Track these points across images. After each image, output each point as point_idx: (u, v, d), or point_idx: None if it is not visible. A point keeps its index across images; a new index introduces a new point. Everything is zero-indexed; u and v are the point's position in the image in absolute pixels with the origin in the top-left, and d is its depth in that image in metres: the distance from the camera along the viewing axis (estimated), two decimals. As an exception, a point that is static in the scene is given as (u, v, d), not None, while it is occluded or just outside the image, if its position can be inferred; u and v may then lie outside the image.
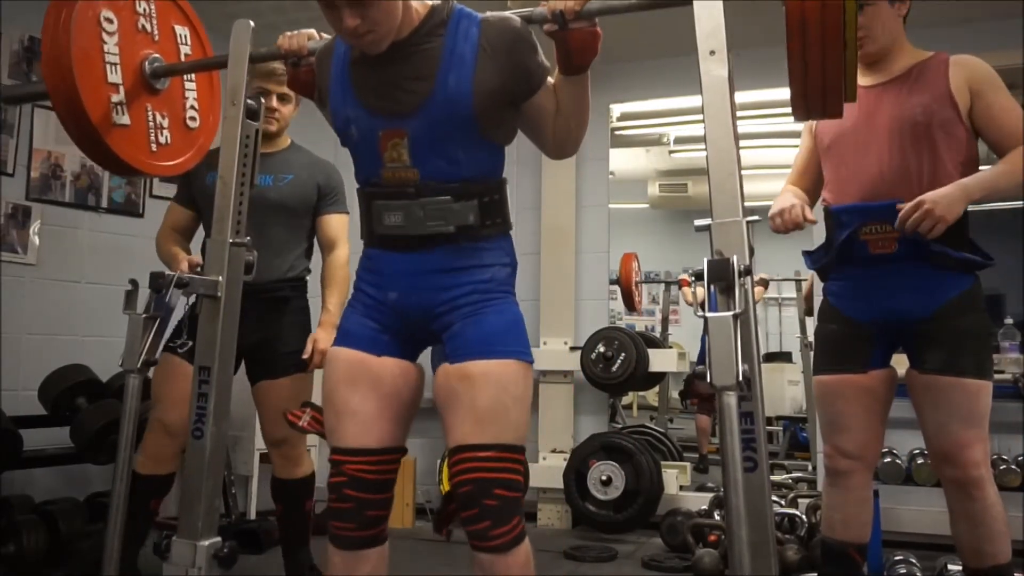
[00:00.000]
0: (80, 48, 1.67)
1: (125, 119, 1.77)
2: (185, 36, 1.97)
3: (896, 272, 1.95)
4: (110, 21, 1.73)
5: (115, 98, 1.75)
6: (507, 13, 1.47)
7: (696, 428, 5.67)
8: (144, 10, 1.81)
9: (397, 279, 1.51)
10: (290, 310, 2.60)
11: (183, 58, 1.91)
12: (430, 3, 1.49)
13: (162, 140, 1.85)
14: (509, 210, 1.55)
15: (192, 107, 1.95)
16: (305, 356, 2.50)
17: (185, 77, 1.95)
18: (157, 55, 1.85)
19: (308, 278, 2.71)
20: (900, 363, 2.07)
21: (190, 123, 1.94)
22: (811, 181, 2.20)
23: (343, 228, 2.66)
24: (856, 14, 1.31)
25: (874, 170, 1.98)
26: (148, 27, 1.83)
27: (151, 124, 1.83)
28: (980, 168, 2.00)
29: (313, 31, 1.66)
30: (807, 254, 2.20)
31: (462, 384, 1.44)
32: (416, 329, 1.54)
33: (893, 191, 1.95)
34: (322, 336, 2.50)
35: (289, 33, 1.63)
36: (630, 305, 5.20)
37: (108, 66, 1.74)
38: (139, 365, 1.75)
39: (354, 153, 1.54)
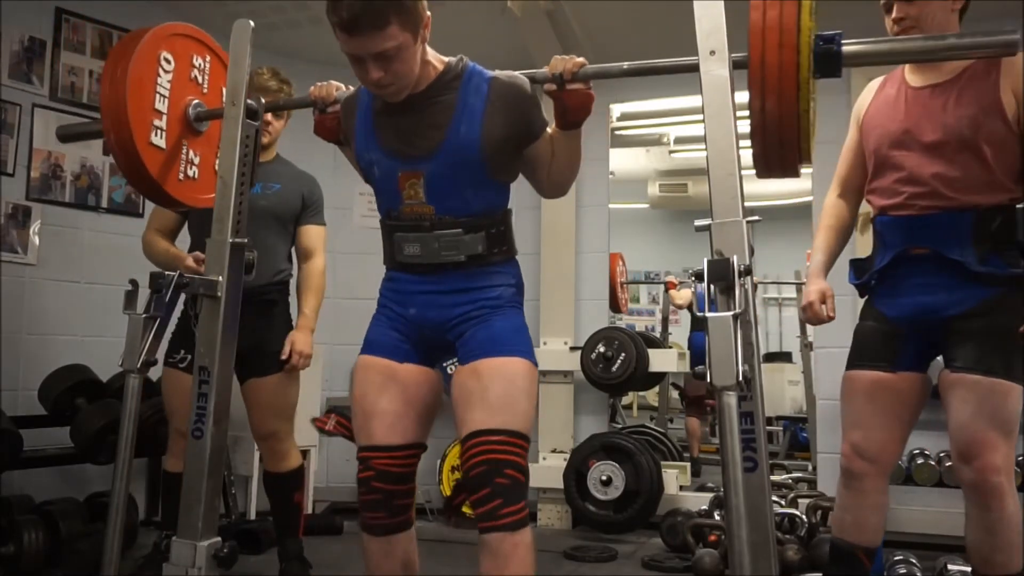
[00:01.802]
0: (137, 72, 1.87)
1: (161, 142, 1.93)
2: None
3: (932, 271, 1.92)
4: (168, 62, 1.94)
5: (157, 122, 1.93)
6: (515, 72, 1.64)
7: (686, 431, 5.55)
8: (199, 65, 2.01)
9: (416, 297, 1.69)
10: (277, 312, 2.75)
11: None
12: (445, 59, 1.66)
13: (190, 174, 2.00)
14: (514, 238, 1.72)
15: None
16: (284, 357, 2.64)
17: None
18: (201, 102, 2.02)
19: (291, 281, 2.83)
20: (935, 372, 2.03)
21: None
22: (859, 177, 2.13)
23: (321, 239, 2.82)
24: (810, 82, 1.34)
25: (917, 186, 1.94)
26: (200, 79, 2.02)
27: (184, 156, 1.98)
28: None
29: (340, 83, 1.81)
30: (853, 265, 2.14)
31: (472, 379, 1.59)
32: (433, 339, 1.70)
33: (936, 201, 1.92)
34: (299, 338, 2.67)
35: (319, 83, 1.80)
36: (615, 306, 5.07)
37: (158, 95, 1.94)
38: (139, 365, 1.75)
39: (376, 190, 1.71)
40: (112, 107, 1.87)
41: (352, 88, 1.79)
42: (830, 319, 2.06)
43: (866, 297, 2.11)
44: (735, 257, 1.33)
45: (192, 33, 2.02)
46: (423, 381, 1.70)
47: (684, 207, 6.64)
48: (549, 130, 1.67)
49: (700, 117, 1.45)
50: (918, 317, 1.96)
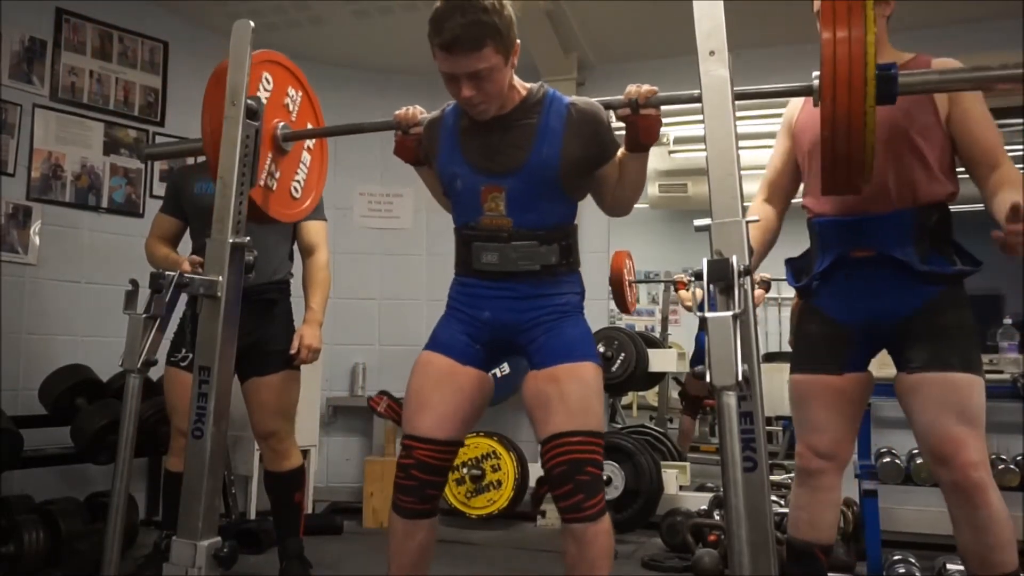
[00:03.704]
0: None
1: None
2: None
3: (876, 274, 1.92)
4: (268, 82, 2.07)
5: None
6: (591, 99, 1.79)
7: (680, 430, 5.49)
8: (292, 95, 2.17)
9: (490, 302, 1.81)
10: (278, 312, 2.74)
11: (305, 149, 2.26)
12: (528, 85, 1.81)
13: (270, 184, 2.07)
14: (579, 250, 1.86)
15: (299, 181, 2.23)
16: (292, 351, 2.66)
17: (302, 160, 2.25)
18: (288, 125, 2.11)
19: (291, 280, 2.84)
20: (884, 364, 2.04)
21: (293, 192, 2.21)
22: (787, 183, 2.16)
23: (322, 234, 2.84)
24: (874, 119, 1.45)
25: None
26: (291, 108, 2.17)
27: (267, 166, 2.06)
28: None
29: (422, 108, 1.93)
30: (789, 264, 2.16)
31: (551, 385, 1.72)
32: (503, 340, 1.83)
33: (873, 199, 1.91)
34: (307, 332, 2.68)
35: (404, 107, 1.93)
36: (623, 306, 4.99)
37: None
38: (139, 365, 1.75)
39: (456, 201, 1.84)
40: (213, 102, 1.97)
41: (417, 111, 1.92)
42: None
43: (806, 298, 2.10)
44: (735, 257, 1.34)
45: (291, 67, 2.19)
46: (477, 386, 1.82)
47: (684, 207, 6.63)
48: (619, 153, 1.81)
49: (700, 117, 1.45)
50: (867, 322, 1.96)
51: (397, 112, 1.92)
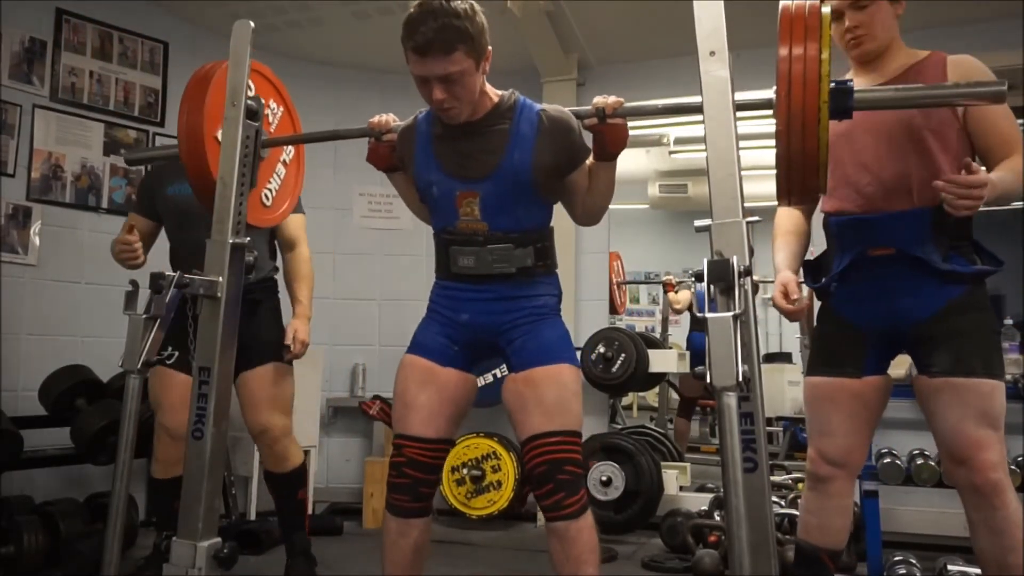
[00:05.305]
0: (222, 77, 1.97)
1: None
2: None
3: (896, 274, 1.90)
4: (250, 88, 2.02)
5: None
6: (561, 107, 1.84)
7: (674, 431, 5.45)
8: (274, 108, 2.18)
9: (469, 304, 1.86)
10: (263, 310, 2.70)
11: (281, 162, 2.25)
12: (499, 92, 1.85)
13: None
14: (555, 252, 1.90)
15: (271, 189, 2.21)
16: (287, 343, 2.63)
17: (276, 171, 2.24)
18: (264, 131, 2.09)
19: (276, 276, 2.82)
20: (898, 364, 2.03)
21: (264, 200, 2.19)
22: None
23: (301, 227, 2.81)
24: (827, 130, 1.45)
25: (871, 175, 1.93)
26: (271, 119, 2.17)
27: None
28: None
29: (395, 116, 1.94)
30: (806, 267, 2.14)
31: (529, 387, 1.77)
32: (482, 341, 1.88)
33: (891, 197, 1.90)
34: (299, 326, 2.67)
35: (378, 115, 1.95)
36: (611, 307, 4.91)
37: None
38: (139, 366, 1.75)
39: (433, 207, 1.88)
40: (193, 92, 1.98)
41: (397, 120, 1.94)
42: (799, 309, 1.99)
43: (824, 300, 2.07)
44: (735, 258, 1.34)
45: (277, 84, 2.21)
46: (460, 385, 1.87)
47: (684, 207, 6.63)
48: (588, 161, 1.84)
49: (700, 117, 1.45)
50: (886, 324, 1.93)
51: (371, 119, 1.95)
